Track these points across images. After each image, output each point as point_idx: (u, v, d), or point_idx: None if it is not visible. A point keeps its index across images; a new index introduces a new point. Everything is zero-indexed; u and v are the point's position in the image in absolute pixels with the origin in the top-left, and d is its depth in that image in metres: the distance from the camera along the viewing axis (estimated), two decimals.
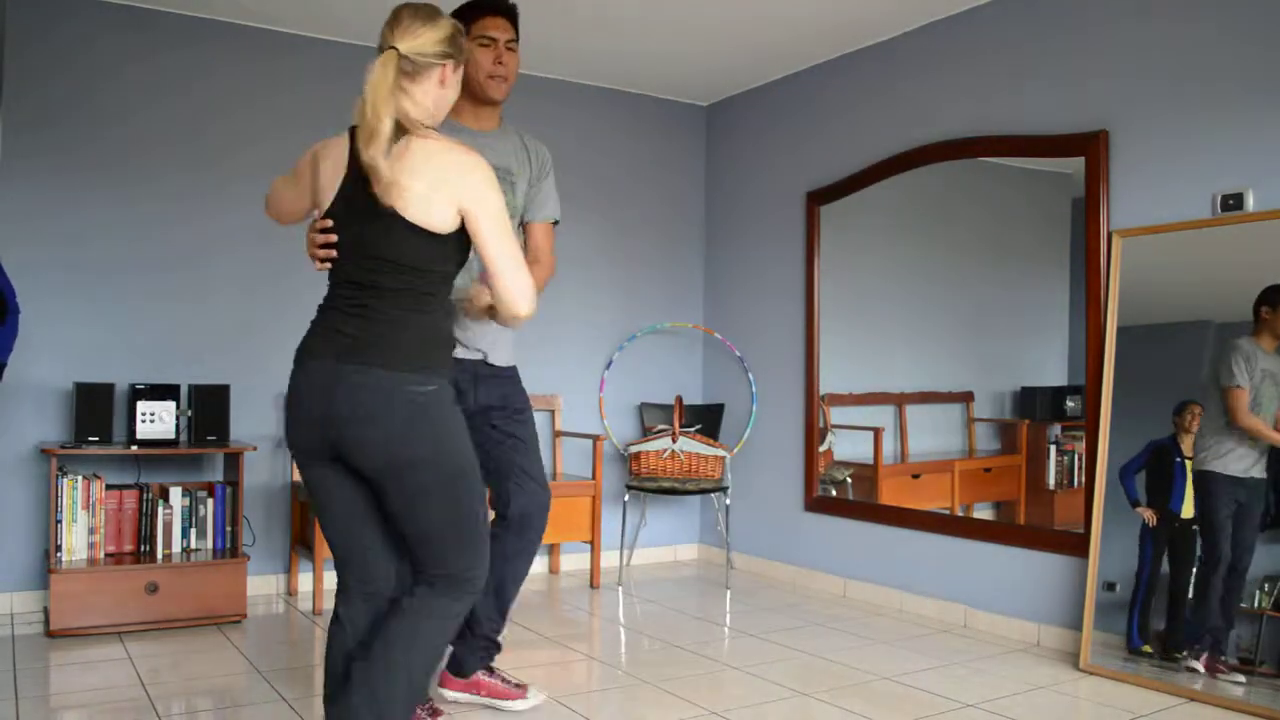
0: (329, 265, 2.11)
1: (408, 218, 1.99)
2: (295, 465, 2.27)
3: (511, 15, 2.74)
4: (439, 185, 2.00)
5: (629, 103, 5.33)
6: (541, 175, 2.85)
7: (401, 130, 2.01)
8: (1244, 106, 3.22)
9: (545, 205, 2.85)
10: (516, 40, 2.75)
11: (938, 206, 4.34)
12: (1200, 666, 3.09)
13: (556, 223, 2.90)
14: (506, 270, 2.05)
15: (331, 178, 2.10)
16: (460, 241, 2.07)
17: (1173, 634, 3.18)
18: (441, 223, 2.01)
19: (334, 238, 2.07)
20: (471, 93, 2.73)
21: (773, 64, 4.88)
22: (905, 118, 4.34)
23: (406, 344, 2.03)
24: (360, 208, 2.02)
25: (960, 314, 4.26)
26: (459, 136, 2.72)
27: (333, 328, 2.06)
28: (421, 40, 2.05)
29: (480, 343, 2.74)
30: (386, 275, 2.03)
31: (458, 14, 2.74)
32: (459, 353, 2.70)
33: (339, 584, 2.19)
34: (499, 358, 2.79)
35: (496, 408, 2.78)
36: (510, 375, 2.85)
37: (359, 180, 2.01)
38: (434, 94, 2.11)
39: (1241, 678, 2.99)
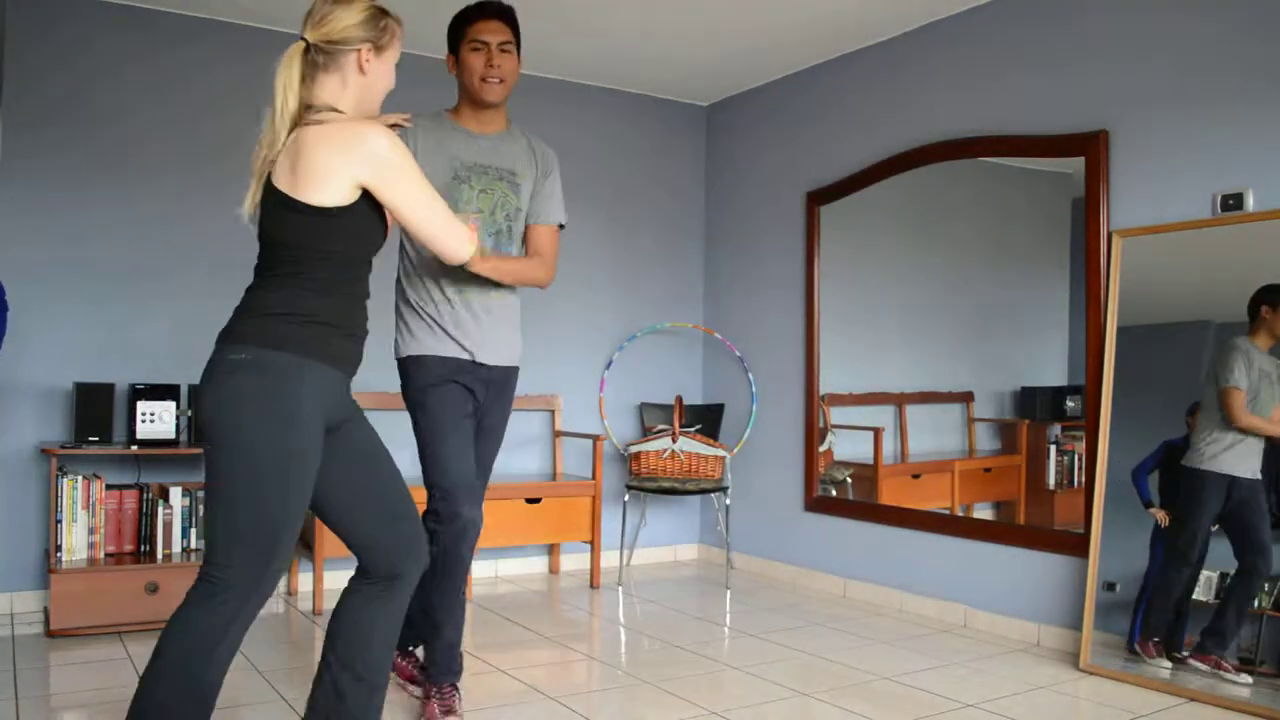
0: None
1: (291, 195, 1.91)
2: None
3: (505, 17, 2.73)
4: (331, 164, 1.90)
5: (629, 103, 5.33)
6: (545, 176, 2.84)
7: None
8: (1244, 106, 3.22)
9: (549, 207, 2.85)
10: (513, 41, 2.74)
11: (938, 206, 4.34)
12: (1203, 665, 3.09)
13: (562, 226, 2.89)
14: (426, 226, 2.03)
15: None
16: (350, 220, 1.95)
17: (1175, 634, 3.18)
18: (329, 199, 1.91)
19: None
20: (469, 97, 2.74)
21: (773, 64, 4.88)
22: (905, 118, 4.35)
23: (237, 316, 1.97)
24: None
25: (960, 314, 4.26)
26: (460, 137, 2.73)
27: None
28: (330, 25, 1.94)
29: (467, 341, 2.73)
30: (267, 256, 1.99)
31: (454, 22, 2.75)
32: (448, 350, 2.70)
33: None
34: (488, 356, 2.76)
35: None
36: (498, 378, 2.81)
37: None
38: (354, 83, 1.99)
39: (1248, 678, 2.99)
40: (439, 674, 2.76)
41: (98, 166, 4.12)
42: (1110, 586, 3.37)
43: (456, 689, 2.78)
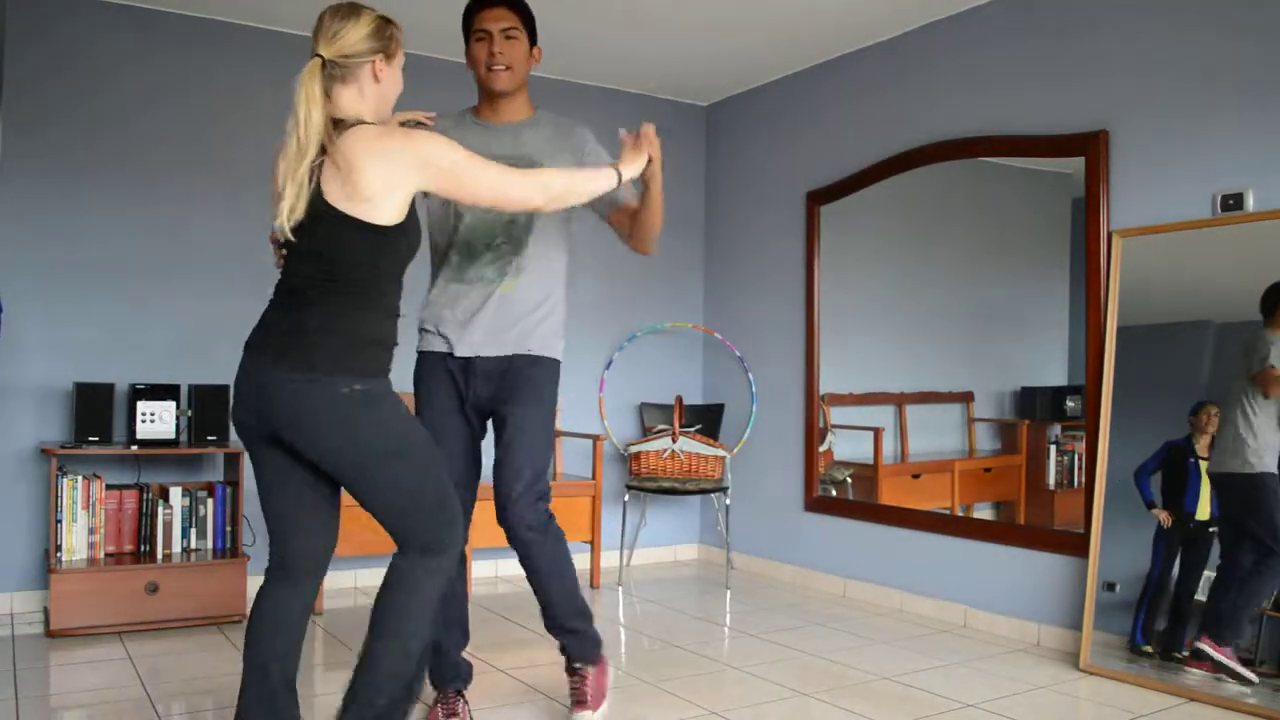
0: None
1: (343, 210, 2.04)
2: None
3: (508, 3, 2.68)
4: (380, 172, 2.03)
5: (629, 103, 5.33)
6: (582, 156, 2.72)
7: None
8: (1244, 106, 3.22)
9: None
10: (519, 26, 2.69)
11: (938, 206, 4.34)
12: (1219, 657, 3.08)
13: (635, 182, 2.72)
14: (498, 190, 2.15)
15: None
16: (398, 235, 2.09)
17: (1175, 634, 3.18)
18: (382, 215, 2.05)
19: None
20: (483, 88, 2.71)
21: (773, 64, 4.88)
22: (905, 118, 4.34)
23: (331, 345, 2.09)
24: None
25: (960, 314, 4.26)
26: (477, 132, 2.68)
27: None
28: (343, 41, 2.06)
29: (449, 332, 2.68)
30: (315, 272, 2.08)
31: (463, 16, 2.73)
32: (436, 345, 2.68)
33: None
34: (486, 349, 2.67)
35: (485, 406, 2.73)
36: (503, 370, 2.69)
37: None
38: (371, 92, 2.12)
39: (1254, 677, 2.98)
40: (442, 681, 2.77)
41: (98, 166, 4.12)
42: (1110, 586, 3.37)
43: (461, 695, 2.78)
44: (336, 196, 2.02)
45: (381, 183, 2.01)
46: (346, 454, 2.10)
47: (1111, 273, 3.51)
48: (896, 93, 4.41)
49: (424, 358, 2.72)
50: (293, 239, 2.04)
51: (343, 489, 2.22)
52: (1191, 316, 3.33)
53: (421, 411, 2.69)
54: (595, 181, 2.38)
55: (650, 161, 2.51)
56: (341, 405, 2.06)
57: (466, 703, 2.78)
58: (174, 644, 3.58)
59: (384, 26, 2.12)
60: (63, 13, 4.06)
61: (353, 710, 2.13)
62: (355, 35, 2.07)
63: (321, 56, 2.06)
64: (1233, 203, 3.21)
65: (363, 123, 2.08)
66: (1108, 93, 3.59)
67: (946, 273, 4.34)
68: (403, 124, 2.45)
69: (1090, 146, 3.59)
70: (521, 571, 2.77)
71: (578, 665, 2.79)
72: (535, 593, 2.74)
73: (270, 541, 2.22)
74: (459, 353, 2.65)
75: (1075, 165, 3.66)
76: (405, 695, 2.18)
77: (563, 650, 2.80)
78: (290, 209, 2.01)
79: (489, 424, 2.76)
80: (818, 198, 4.75)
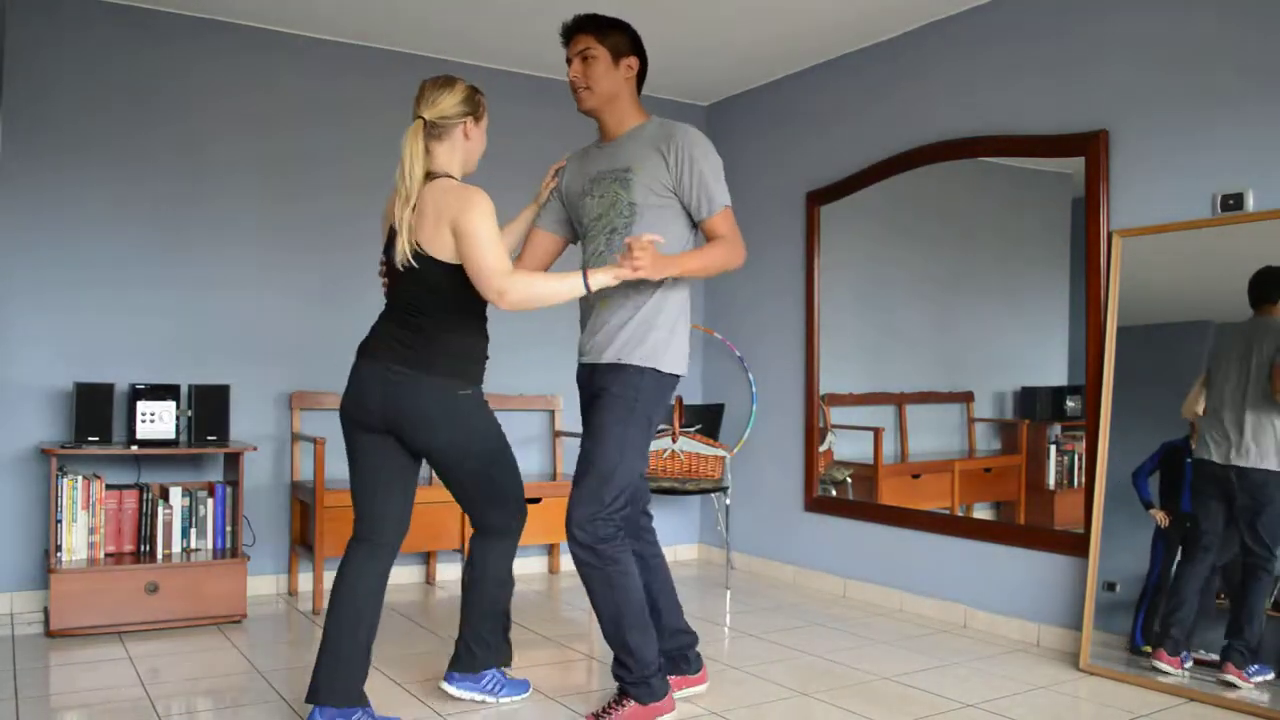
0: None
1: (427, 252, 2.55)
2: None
3: (581, 27, 2.77)
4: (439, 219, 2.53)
5: None
6: (680, 164, 2.69)
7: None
8: (1244, 106, 3.22)
9: (699, 199, 2.72)
10: (597, 43, 2.74)
11: (938, 206, 4.34)
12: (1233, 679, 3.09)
13: (728, 207, 2.77)
14: (476, 271, 2.49)
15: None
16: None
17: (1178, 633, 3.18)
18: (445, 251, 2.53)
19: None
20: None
21: (773, 64, 4.88)
22: (905, 118, 4.34)
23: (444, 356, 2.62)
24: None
25: (960, 314, 4.26)
26: (593, 155, 2.86)
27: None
28: (441, 106, 2.58)
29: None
30: (424, 299, 2.59)
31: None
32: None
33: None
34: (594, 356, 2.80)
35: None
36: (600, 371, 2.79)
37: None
38: (460, 147, 2.64)
39: (1272, 676, 2.99)
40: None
41: (98, 166, 4.12)
42: (1110, 586, 3.37)
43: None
44: (423, 238, 2.52)
45: (440, 230, 2.50)
46: (456, 449, 2.63)
47: (1111, 273, 3.51)
48: (897, 93, 4.40)
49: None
50: (401, 269, 2.56)
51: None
52: (1191, 316, 3.33)
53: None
54: (559, 293, 2.57)
55: (637, 270, 2.53)
56: (460, 405, 2.60)
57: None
58: (174, 644, 3.58)
59: (474, 93, 2.65)
60: (62, 13, 4.06)
61: (467, 633, 2.87)
62: (451, 101, 2.59)
63: (424, 118, 2.57)
64: (1233, 203, 3.21)
65: (449, 176, 2.60)
66: (1107, 93, 3.59)
67: (946, 272, 4.33)
68: (547, 186, 2.97)
69: (1090, 146, 3.59)
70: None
71: (623, 689, 2.75)
72: None
73: (358, 519, 2.65)
74: (581, 360, 2.85)
75: (1075, 165, 3.66)
76: (504, 618, 2.91)
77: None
78: (402, 249, 2.52)
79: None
80: (818, 198, 4.75)
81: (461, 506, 2.85)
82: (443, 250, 2.51)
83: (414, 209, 2.53)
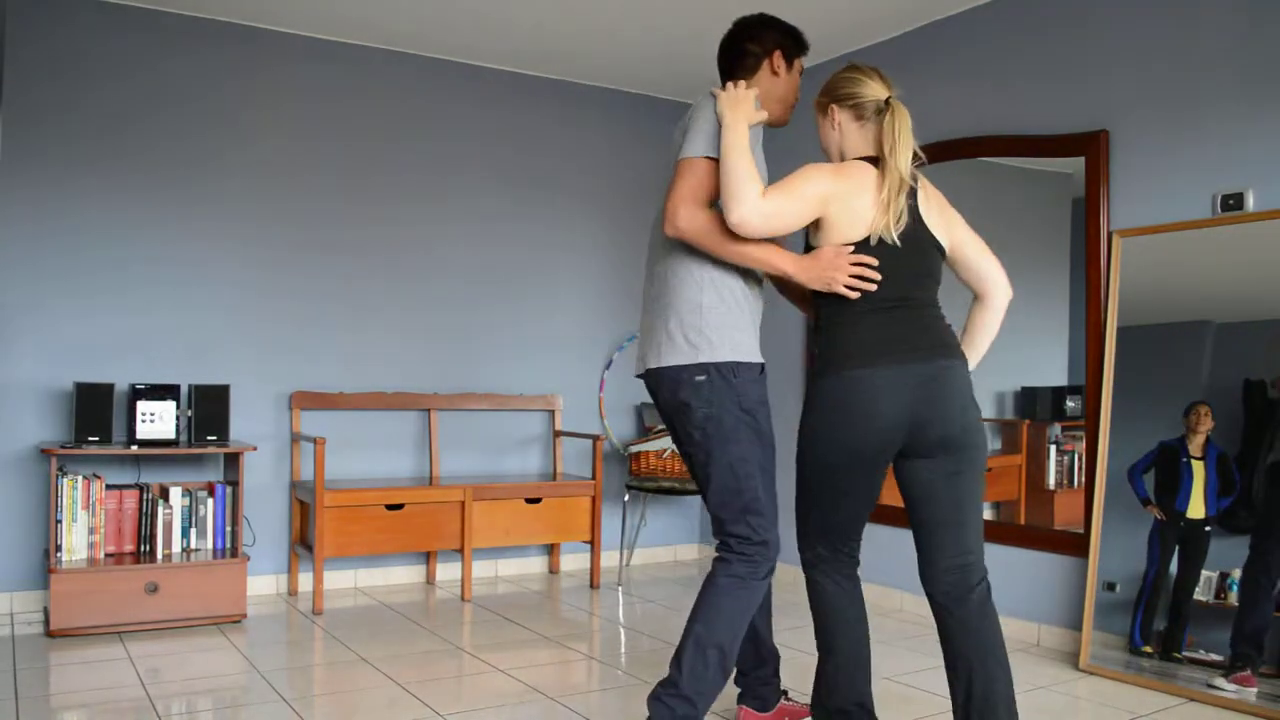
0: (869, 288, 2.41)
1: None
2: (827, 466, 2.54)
3: (719, 50, 2.88)
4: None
5: (629, 103, 5.33)
6: (685, 129, 2.66)
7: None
8: (1244, 106, 3.22)
9: (682, 145, 2.68)
10: (731, 66, 2.91)
11: None
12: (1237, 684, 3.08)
13: (692, 158, 2.69)
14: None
15: (867, 210, 2.44)
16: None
17: (1173, 634, 3.18)
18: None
19: (873, 261, 2.40)
20: (772, 110, 2.86)
21: None
22: None
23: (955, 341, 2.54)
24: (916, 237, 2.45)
25: (960, 314, 4.25)
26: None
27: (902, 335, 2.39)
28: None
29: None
30: (930, 290, 2.52)
31: (797, 39, 2.86)
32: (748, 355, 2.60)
33: (817, 554, 2.75)
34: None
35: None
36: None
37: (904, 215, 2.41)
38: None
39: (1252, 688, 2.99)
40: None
41: (98, 167, 4.12)
42: (1110, 586, 3.37)
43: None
44: (936, 227, 2.62)
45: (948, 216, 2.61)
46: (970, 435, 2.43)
47: (1111, 273, 3.51)
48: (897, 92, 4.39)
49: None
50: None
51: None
52: (1191, 316, 3.33)
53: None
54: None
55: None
56: (968, 385, 2.48)
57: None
58: (174, 644, 3.58)
59: None
60: (62, 13, 4.06)
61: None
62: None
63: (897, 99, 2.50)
64: (1233, 203, 3.21)
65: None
66: (1108, 92, 3.59)
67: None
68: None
69: (1090, 146, 3.59)
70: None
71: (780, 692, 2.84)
72: None
73: (840, 540, 2.76)
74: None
75: (1075, 165, 3.66)
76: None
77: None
78: (896, 224, 2.51)
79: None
80: None
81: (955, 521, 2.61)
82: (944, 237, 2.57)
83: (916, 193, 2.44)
